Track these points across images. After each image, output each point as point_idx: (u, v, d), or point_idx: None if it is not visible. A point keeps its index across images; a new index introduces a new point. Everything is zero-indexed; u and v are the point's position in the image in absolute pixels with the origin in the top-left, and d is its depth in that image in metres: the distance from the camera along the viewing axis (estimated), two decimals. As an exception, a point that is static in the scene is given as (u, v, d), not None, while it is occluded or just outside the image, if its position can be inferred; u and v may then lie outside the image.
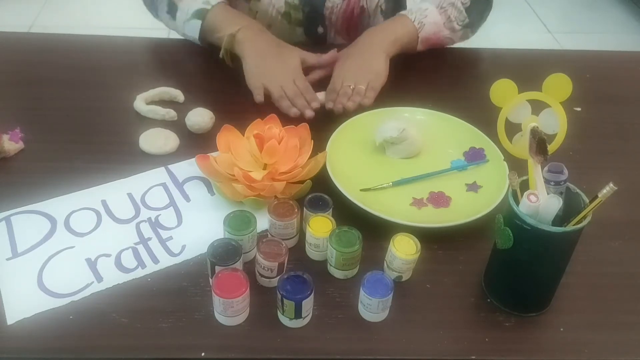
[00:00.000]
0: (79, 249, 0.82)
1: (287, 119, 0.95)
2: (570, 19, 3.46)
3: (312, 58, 1.14)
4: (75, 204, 0.88)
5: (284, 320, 0.74)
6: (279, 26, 1.26)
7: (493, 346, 0.74)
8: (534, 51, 1.38)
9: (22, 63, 1.20)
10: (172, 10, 1.18)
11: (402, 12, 1.19)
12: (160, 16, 1.22)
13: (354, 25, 1.28)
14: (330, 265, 0.80)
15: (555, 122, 0.77)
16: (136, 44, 1.28)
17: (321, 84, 1.12)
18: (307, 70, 1.13)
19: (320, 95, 1.09)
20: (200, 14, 1.15)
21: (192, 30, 1.17)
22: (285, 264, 0.78)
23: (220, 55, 1.14)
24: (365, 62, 1.11)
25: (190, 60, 1.24)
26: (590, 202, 0.69)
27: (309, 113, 1.04)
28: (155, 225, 0.86)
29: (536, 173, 0.72)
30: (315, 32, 1.26)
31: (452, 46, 1.31)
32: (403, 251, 0.77)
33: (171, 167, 0.96)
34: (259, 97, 1.07)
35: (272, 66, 1.10)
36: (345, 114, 1.04)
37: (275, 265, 0.76)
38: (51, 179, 0.92)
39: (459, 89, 1.20)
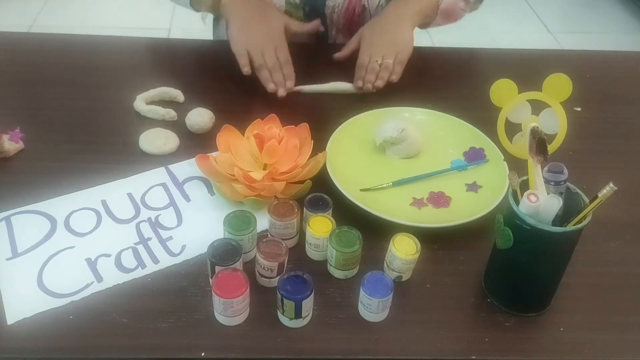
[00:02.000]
0: (79, 249, 0.82)
1: (287, 119, 0.95)
2: (570, 19, 3.47)
3: (296, 25, 1.17)
4: (75, 204, 0.88)
5: (284, 320, 0.74)
6: None
7: (493, 346, 0.74)
8: (534, 51, 1.38)
9: (22, 63, 1.20)
10: None
11: None
12: None
13: (355, 24, 1.28)
14: (330, 265, 0.80)
15: (555, 122, 0.77)
16: (136, 44, 1.28)
17: (329, 73, 1.13)
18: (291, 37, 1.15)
19: (326, 86, 1.10)
20: None
21: None
22: (285, 264, 0.78)
23: (202, 19, 1.16)
24: (392, 35, 1.13)
25: (190, 60, 1.24)
26: (590, 202, 0.69)
27: (281, 92, 1.07)
28: (155, 225, 0.86)
29: (536, 173, 0.72)
30: (316, 32, 1.26)
31: (452, 46, 1.32)
32: (403, 251, 0.77)
33: (171, 167, 0.96)
34: (245, 68, 1.08)
35: (255, 31, 1.11)
36: (361, 108, 1.06)
37: (275, 265, 0.76)
38: (51, 179, 0.92)
39: (459, 89, 1.20)
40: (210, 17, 1.27)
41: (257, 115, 0.95)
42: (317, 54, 1.23)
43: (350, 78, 1.14)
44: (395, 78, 1.09)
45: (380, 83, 1.08)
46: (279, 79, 1.08)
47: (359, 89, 1.09)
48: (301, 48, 1.14)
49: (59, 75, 1.16)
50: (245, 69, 1.08)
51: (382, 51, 1.10)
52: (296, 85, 1.11)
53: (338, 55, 1.18)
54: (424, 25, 1.21)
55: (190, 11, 1.21)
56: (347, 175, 0.93)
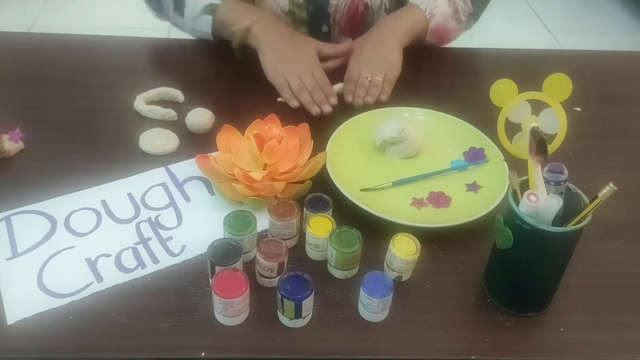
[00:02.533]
0: (79, 249, 0.82)
1: (287, 119, 0.95)
2: (570, 19, 3.46)
3: (327, 48, 1.16)
4: (75, 204, 0.88)
5: (284, 320, 0.74)
6: None
7: (493, 346, 0.74)
8: (534, 51, 1.38)
9: (22, 63, 1.20)
10: (179, 7, 1.18)
11: (413, 2, 1.21)
12: (166, 14, 1.22)
13: (358, 23, 1.28)
14: (330, 265, 0.80)
15: (555, 122, 0.77)
16: (136, 44, 1.28)
17: (335, 75, 1.13)
18: (321, 60, 1.14)
19: (337, 87, 1.11)
20: (210, 9, 1.16)
21: (203, 26, 1.18)
22: (285, 264, 0.78)
23: (233, 47, 1.14)
24: (381, 53, 1.13)
25: (190, 60, 1.24)
26: (590, 202, 0.69)
27: (327, 109, 1.06)
28: (155, 225, 0.86)
29: (536, 173, 0.72)
30: (319, 31, 1.26)
31: (452, 46, 1.31)
32: (403, 251, 0.77)
33: (171, 167, 0.96)
34: (293, 102, 1.07)
35: (290, 58, 1.11)
36: (361, 108, 1.06)
37: (275, 265, 0.76)
38: (51, 179, 0.92)
39: (459, 89, 1.20)
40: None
41: (257, 115, 0.95)
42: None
43: None
44: (384, 97, 1.09)
45: (370, 99, 1.07)
46: (321, 97, 1.07)
47: (350, 103, 1.08)
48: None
49: (59, 75, 1.16)
50: (294, 103, 1.07)
51: (371, 68, 1.10)
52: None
53: (325, 52, 1.17)
54: (417, 42, 1.21)
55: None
56: (347, 175, 0.93)
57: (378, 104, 1.08)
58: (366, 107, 1.06)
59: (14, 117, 1.02)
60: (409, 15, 1.19)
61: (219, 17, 1.16)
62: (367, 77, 1.09)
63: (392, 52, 1.13)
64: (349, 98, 1.08)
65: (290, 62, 1.10)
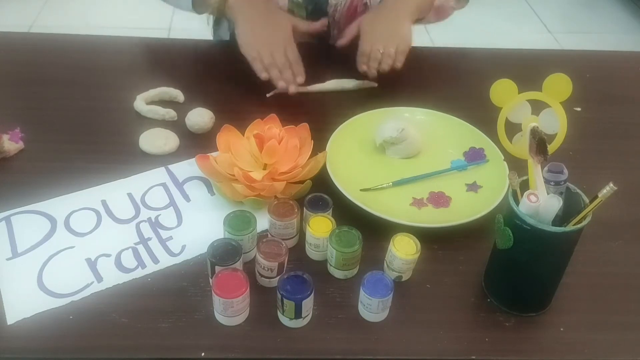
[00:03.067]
0: (79, 249, 0.82)
1: (287, 119, 0.95)
2: (570, 19, 3.46)
3: (303, 25, 1.18)
4: (75, 204, 0.88)
5: (284, 320, 0.74)
6: None
7: (493, 346, 0.74)
8: (534, 51, 1.38)
9: (22, 63, 1.20)
10: None
11: None
12: None
13: None
14: (330, 265, 0.80)
15: (555, 122, 0.77)
16: (136, 44, 1.28)
17: (331, 70, 1.14)
18: (298, 36, 1.15)
19: (330, 83, 1.12)
20: None
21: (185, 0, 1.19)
22: (285, 264, 0.78)
23: (208, 24, 1.16)
24: (392, 27, 1.15)
25: (190, 60, 1.24)
26: (590, 202, 0.69)
27: (292, 89, 1.08)
28: (155, 225, 0.86)
29: (536, 173, 0.72)
30: (322, 30, 1.27)
31: (452, 46, 1.32)
32: (403, 251, 0.77)
33: (171, 167, 0.96)
34: (263, 74, 1.08)
35: (264, 33, 1.13)
36: (362, 107, 1.07)
37: (275, 265, 0.76)
38: (51, 179, 0.92)
39: (459, 89, 1.20)
40: (211, 18, 1.27)
41: (257, 115, 0.95)
42: (318, 53, 1.23)
43: (351, 76, 1.14)
44: (399, 65, 1.11)
45: (385, 67, 1.10)
46: (288, 76, 1.09)
47: (364, 73, 1.11)
48: (302, 48, 1.14)
49: (59, 75, 1.16)
50: (264, 75, 1.09)
51: (383, 41, 1.12)
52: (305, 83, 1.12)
53: (340, 42, 1.19)
54: (417, 21, 1.22)
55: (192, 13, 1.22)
56: (347, 175, 0.93)
57: (392, 72, 1.10)
58: (366, 107, 1.06)
59: (14, 117, 1.02)
60: None
61: None
62: (379, 50, 1.10)
63: (403, 26, 1.15)
64: (363, 68, 1.10)
65: (264, 37, 1.12)
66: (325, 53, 1.24)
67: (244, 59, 1.11)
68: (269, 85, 1.10)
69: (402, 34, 1.14)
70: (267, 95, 1.10)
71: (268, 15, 1.16)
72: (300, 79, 1.09)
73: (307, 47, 1.15)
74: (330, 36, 1.30)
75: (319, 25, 1.19)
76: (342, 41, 1.19)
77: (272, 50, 1.09)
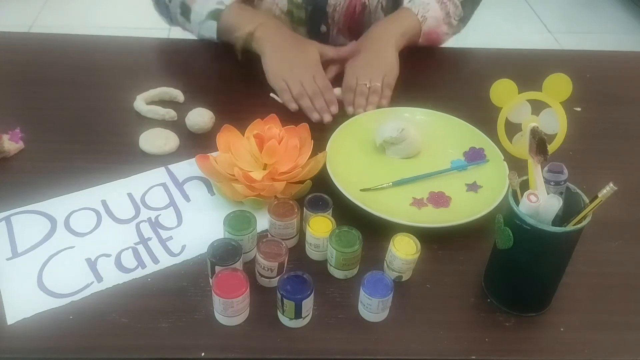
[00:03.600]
0: (79, 249, 0.82)
1: (287, 119, 0.95)
2: (570, 19, 3.46)
3: (331, 51, 1.15)
4: (75, 204, 0.88)
5: (284, 320, 0.74)
6: None
7: (493, 346, 0.74)
8: (534, 51, 1.38)
9: (22, 63, 1.20)
10: (186, 12, 1.19)
11: (406, 5, 1.21)
12: (175, 20, 1.23)
13: (355, 23, 1.28)
14: (330, 265, 0.80)
15: (555, 122, 0.77)
16: (136, 44, 1.28)
17: (334, 80, 1.13)
18: (325, 63, 1.14)
19: (337, 91, 1.10)
20: (215, 15, 1.16)
21: (209, 31, 1.18)
22: (285, 264, 0.78)
23: (238, 55, 1.14)
24: (377, 57, 1.13)
25: (190, 60, 1.24)
26: (590, 202, 0.69)
27: (327, 118, 1.05)
28: (155, 225, 0.86)
29: (536, 173, 0.72)
30: (317, 31, 1.26)
31: (452, 46, 1.32)
32: (403, 251, 0.77)
33: (171, 167, 0.96)
34: (292, 104, 1.06)
35: (292, 62, 1.11)
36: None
37: (275, 265, 0.76)
38: (51, 179, 0.92)
39: (459, 89, 1.20)
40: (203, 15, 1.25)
41: (257, 115, 0.95)
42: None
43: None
44: (385, 102, 1.07)
45: (371, 108, 1.06)
46: (321, 104, 1.06)
47: (351, 114, 1.06)
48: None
49: (59, 75, 1.16)
50: (292, 106, 1.06)
51: (369, 74, 1.09)
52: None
53: (329, 56, 1.15)
54: (410, 45, 1.21)
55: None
56: (347, 175, 0.92)
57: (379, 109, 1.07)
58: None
59: (14, 117, 1.02)
60: (402, 19, 1.19)
61: (224, 22, 1.16)
62: (366, 84, 1.08)
63: (388, 55, 1.13)
64: (349, 110, 1.06)
65: (291, 67, 1.10)
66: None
67: (245, 59, 1.11)
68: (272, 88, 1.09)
69: (388, 64, 1.12)
70: (271, 94, 1.09)
71: (296, 45, 1.14)
72: (334, 108, 1.06)
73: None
74: (329, 36, 1.30)
75: (348, 49, 1.16)
76: (334, 70, 1.16)
77: (300, 78, 1.07)
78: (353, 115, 1.05)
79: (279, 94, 1.08)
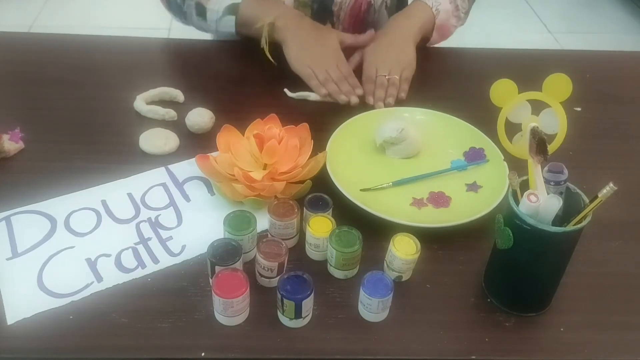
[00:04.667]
0: (79, 249, 0.82)
1: (287, 119, 0.95)
2: (570, 19, 3.47)
3: (350, 38, 1.18)
4: (75, 204, 0.88)
5: (284, 320, 0.74)
6: None
7: (493, 346, 0.74)
8: (534, 51, 1.38)
9: (22, 63, 1.20)
10: (202, 12, 1.19)
11: None
12: (190, 20, 1.23)
13: (360, 21, 1.29)
14: (330, 265, 0.80)
15: (555, 122, 0.77)
16: (136, 44, 1.28)
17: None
18: (344, 50, 1.16)
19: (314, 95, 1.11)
20: (233, 9, 1.17)
21: (227, 27, 1.19)
22: (285, 264, 0.78)
23: (262, 46, 1.15)
24: (396, 51, 1.15)
25: (190, 60, 1.24)
26: (590, 202, 0.69)
27: (354, 100, 1.08)
28: (155, 225, 0.86)
29: (536, 173, 0.72)
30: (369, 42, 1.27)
31: (452, 46, 1.32)
32: (403, 251, 0.77)
33: (171, 167, 0.96)
34: (322, 90, 1.09)
35: (314, 50, 1.13)
36: (363, 108, 1.07)
37: (275, 265, 0.76)
38: (51, 179, 0.92)
39: (459, 89, 1.20)
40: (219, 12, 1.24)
41: (257, 115, 0.95)
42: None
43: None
44: (403, 95, 1.10)
45: (391, 100, 1.09)
46: (347, 88, 1.09)
47: (371, 105, 1.09)
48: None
49: (59, 75, 1.16)
50: (322, 91, 1.09)
51: (388, 66, 1.12)
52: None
53: (348, 42, 1.18)
54: (422, 43, 1.22)
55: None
56: (347, 175, 0.93)
57: (398, 102, 1.09)
58: (370, 107, 1.07)
59: (14, 117, 1.02)
60: (419, 13, 1.21)
61: (242, 15, 1.16)
62: (385, 75, 1.10)
63: (407, 51, 1.15)
64: (370, 100, 1.09)
65: (315, 54, 1.12)
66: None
67: (246, 59, 1.11)
68: (272, 85, 1.09)
69: (406, 58, 1.14)
70: (285, 90, 1.10)
71: (316, 33, 1.15)
72: (360, 90, 1.09)
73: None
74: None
75: (365, 37, 1.18)
76: (356, 59, 1.18)
77: (325, 66, 1.10)
78: (373, 108, 1.08)
79: (306, 80, 1.10)
